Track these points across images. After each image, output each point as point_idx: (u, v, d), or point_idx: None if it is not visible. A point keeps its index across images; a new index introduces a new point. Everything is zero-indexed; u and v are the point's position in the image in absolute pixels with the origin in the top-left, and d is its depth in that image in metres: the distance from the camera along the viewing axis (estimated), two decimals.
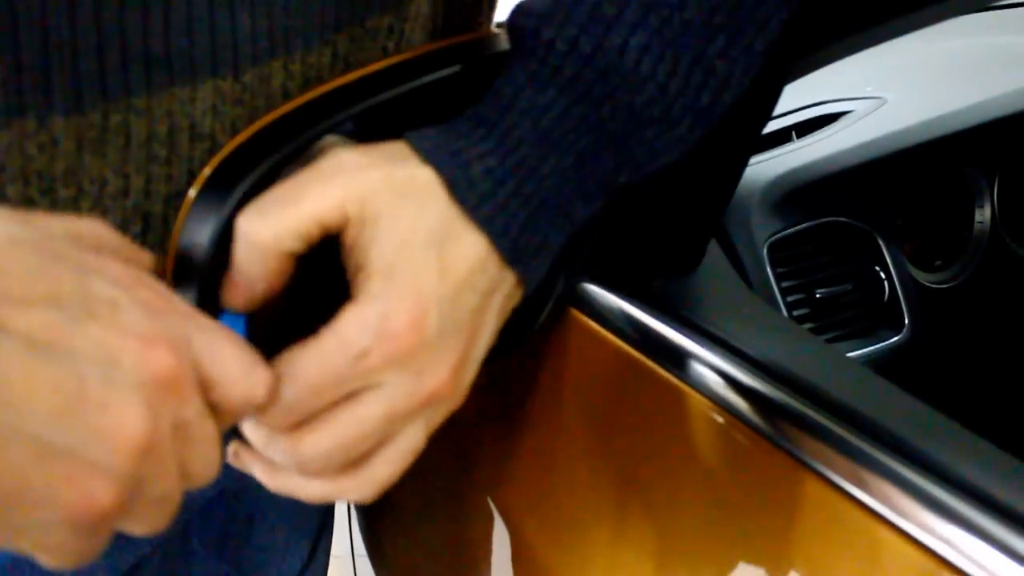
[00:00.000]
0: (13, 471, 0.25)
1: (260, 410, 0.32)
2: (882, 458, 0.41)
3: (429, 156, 0.34)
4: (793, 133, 0.89)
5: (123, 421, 0.26)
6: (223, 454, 0.31)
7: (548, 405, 0.59)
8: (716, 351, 0.50)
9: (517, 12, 0.37)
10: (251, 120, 0.36)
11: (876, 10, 0.59)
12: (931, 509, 0.38)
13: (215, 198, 0.33)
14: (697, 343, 0.51)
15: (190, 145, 0.36)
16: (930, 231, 0.97)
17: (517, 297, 0.38)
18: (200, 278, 0.33)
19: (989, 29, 0.95)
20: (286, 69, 0.37)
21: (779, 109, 0.78)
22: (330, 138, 0.36)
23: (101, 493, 0.26)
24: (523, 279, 0.37)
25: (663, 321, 0.53)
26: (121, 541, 0.39)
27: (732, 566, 0.47)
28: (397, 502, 0.71)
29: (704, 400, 0.49)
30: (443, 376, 0.35)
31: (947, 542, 0.37)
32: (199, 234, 0.33)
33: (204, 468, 0.30)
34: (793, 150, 0.84)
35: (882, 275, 0.88)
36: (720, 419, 0.48)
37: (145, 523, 0.29)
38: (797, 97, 0.92)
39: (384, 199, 0.33)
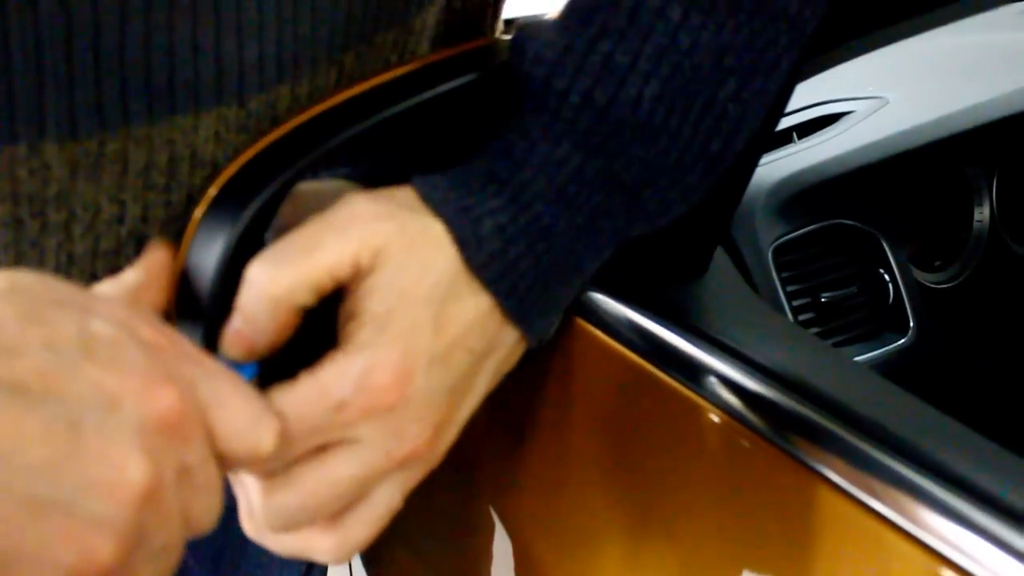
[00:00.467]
0: (4, 530, 0.23)
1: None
2: (892, 464, 0.41)
3: (440, 209, 0.33)
4: (794, 134, 0.88)
5: (123, 470, 0.25)
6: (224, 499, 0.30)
7: (552, 415, 0.58)
8: (723, 359, 0.49)
9: (526, 58, 0.35)
10: (256, 140, 0.35)
11: (885, 13, 0.59)
12: (941, 513, 0.38)
13: (223, 218, 0.32)
14: (704, 351, 0.50)
15: (190, 172, 0.35)
16: (929, 231, 0.97)
17: (519, 354, 0.37)
18: (208, 301, 0.32)
19: (990, 26, 0.95)
20: (293, 93, 0.36)
21: None
22: (338, 182, 0.35)
23: (101, 549, 0.24)
24: (528, 336, 0.36)
25: (669, 329, 0.53)
26: None
27: (741, 573, 0.46)
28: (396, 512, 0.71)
29: (712, 408, 0.49)
30: (423, 438, 0.33)
31: (956, 546, 0.37)
32: (207, 256, 0.32)
33: (206, 515, 0.29)
34: (795, 152, 0.84)
35: (886, 277, 0.87)
36: (728, 426, 0.48)
37: (152, 574, 0.27)
38: (797, 97, 0.92)
39: (394, 250, 0.32)
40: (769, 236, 0.78)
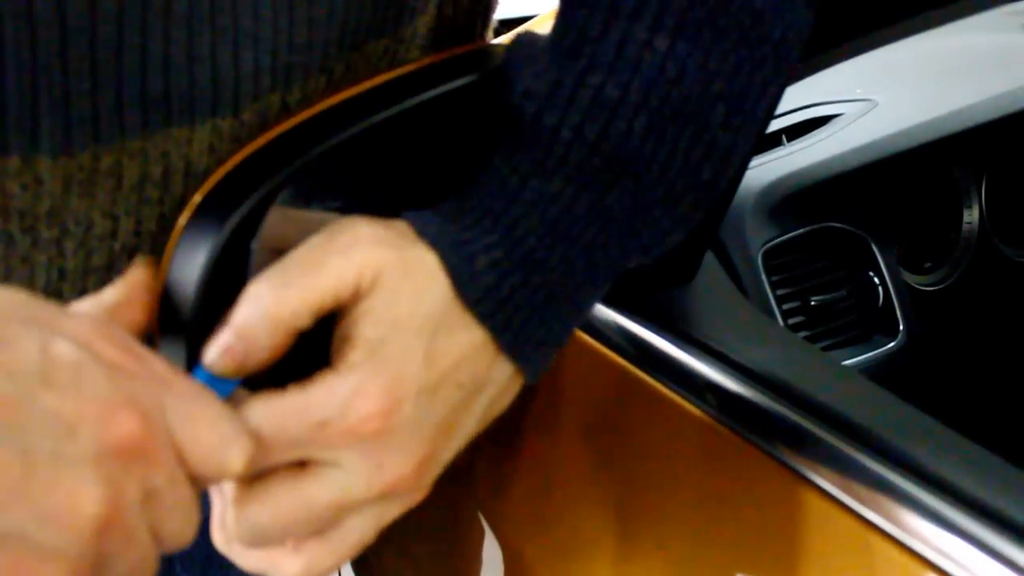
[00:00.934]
0: None
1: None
2: (880, 469, 0.41)
3: (435, 243, 0.33)
4: (783, 137, 0.88)
5: (75, 500, 0.24)
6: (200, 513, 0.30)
7: (542, 420, 0.58)
8: (713, 364, 0.49)
9: (516, 91, 0.35)
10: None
11: (875, 15, 0.59)
12: (929, 519, 0.38)
13: (208, 226, 0.32)
14: (693, 356, 0.50)
15: (184, 184, 0.35)
16: (918, 233, 0.97)
17: (513, 392, 0.37)
18: (192, 310, 0.31)
19: (979, 28, 0.96)
20: (283, 101, 0.36)
21: None
22: (328, 216, 0.35)
23: None
24: (524, 370, 0.36)
25: (659, 334, 0.53)
26: None
27: None
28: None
29: (702, 413, 0.49)
30: (405, 471, 0.33)
31: (942, 551, 0.37)
32: (190, 264, 0.31)
33: (179, 533, 0.28)
34: (784, 155, 0.84)
35: (876, 280, 0.88)
36: (717, 431, 0.48)
37: None
38: (787, 100, 0.92)
39: (391, 276, 0.32)
40: (759, 239, 0.78)
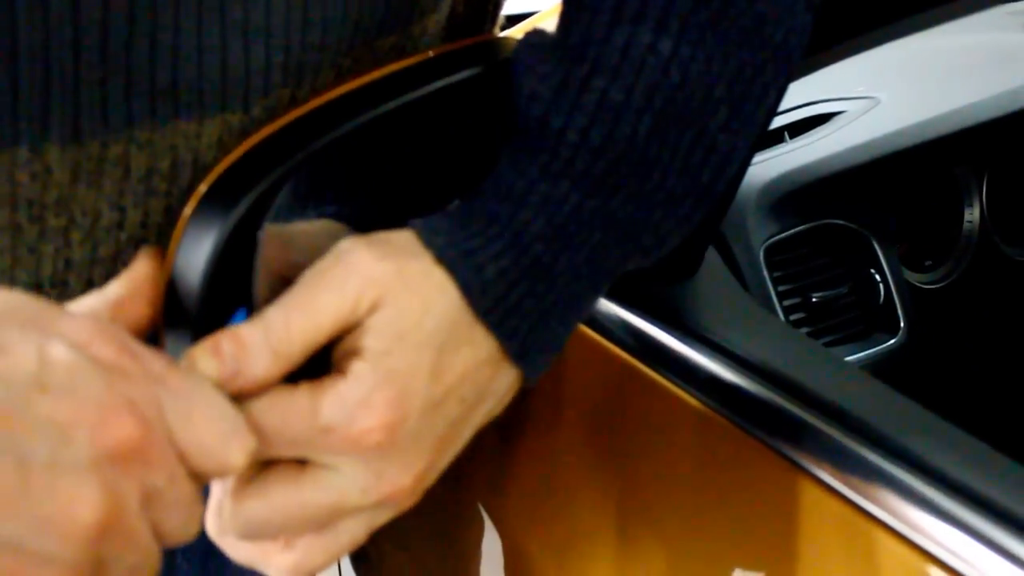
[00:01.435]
0: None
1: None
2: (880, 462, 0.41)
3: (442, 256, 0.33)
4: (786, 134, 0.88)
5: (72, 507, 0.24)
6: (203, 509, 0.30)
7: (543, 413, 0.58)
8: (715, 358, 0.49)
9: (522, 94, 0.35)
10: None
11: (877, 13, 0.59)
12: (930, 512, 0.38)
13: (213, 216, 0.31)
14: (695, 351, 0.50)
15: (193, 178, 0.35)
16: (920, 231, 0.97)
17: (507, 400, 0.37)
18: (197, 300, 0.31)
19: (981, 27, 0.96)
20: (293, 97, 0.35)
21: None
22: (329, 223, 0.35)
23: None
24: (527, 374, 0.36)
25: (661, 328, 0.53)
26: None
27: (732, 573, 0.46)
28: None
29: (703, 407, 0.49)
30: (403, 483, 0.33)
31: (942, 544, 0.37)
32: (197, 254, 0.31)
33: (182, 529, 0.29)
34: (787, 152, 0.84)
35: (877, 277, 0.88)
36: (719, 425, 0.48)
37: None
38: (789, 96, 0.92)
39: (394, 293, 0.32)
40: (760, 236, 0.78)
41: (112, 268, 0.36)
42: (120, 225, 0.35)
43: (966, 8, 0.61)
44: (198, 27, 0.32)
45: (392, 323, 0.32)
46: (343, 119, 0.34)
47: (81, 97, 0.32)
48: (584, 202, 0.34)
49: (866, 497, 0.41)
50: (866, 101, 0.90)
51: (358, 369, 0.32)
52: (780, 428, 0.45)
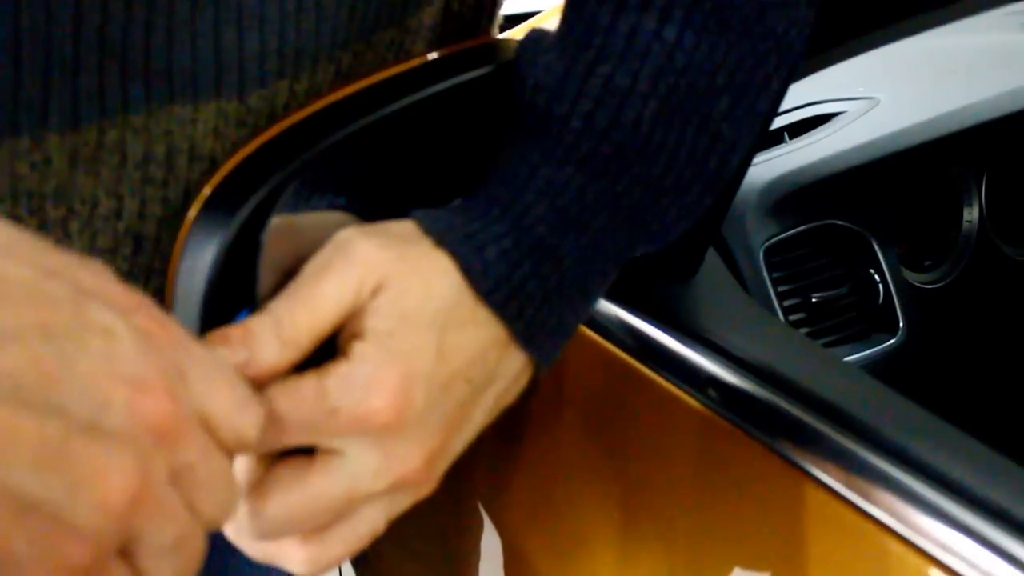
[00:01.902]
0: None
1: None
2: (879, 464, 0.41)
3: (443, 240, 0.33)
4: (785, 134, 0.88)
5: (108, 477, 0.24)
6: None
7: (542, 414, 0.58)
8: (714, 359, 0.50)
9: (527, 86, 0.35)
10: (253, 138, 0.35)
11: (877, 13, 0.59)
12: (929, 514, 0.38)
13: (216, 220, 0.32)
14: (695, 351, 0.51)
15: (188, 167, 0.35)
16: (919, 231, 0.97)
17: (524, 380, 0.37)
18: (201, 303, 0.32)
19: (980, 28, 0.96)
20: (291, 89, 0.36)
21: None
22: (334, 214, 0.35)
23: (74, 552, 0.24)
24: (536, 359, 0.36)
25: (661, 329, 0.53)
26: None
27: (731, 573, 0.47)
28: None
29: (703, 408, 0.49)
30: (415, 463, 0.33)
31: (942, 545, 0.37)
32: (200, 259, 0.31)
33: (220, 507, 0.28)
34: (787, 152, 0.84)
35: (876, 277, 0.88)
36: (719, 426, 0.48)
37: (170, 570, 0.27)
38: (789, 97, 0.92)
39: (396, 277, 0.32)
40: (760, 236, 0.78)
41: (111, 260, 0.36)
42: (118, 214, 0.35)
43: (966, 10, 0.61)
44: (191, 11, 0.33)
45: (394, 304, 0.32)
46: (345, 123, 0.34)
47: (80, 82, 0.32)
48: (588, 185, 0.35)
49: (864, 497, 0.41)
50: (866, 101, 0.90)
51: (361, 350, 0.32)
52: (778, 428, 0.45)
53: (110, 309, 0.26)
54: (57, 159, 0.33)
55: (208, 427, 0.28)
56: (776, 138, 0.88)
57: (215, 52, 0.33)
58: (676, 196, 0.36)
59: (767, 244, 0.79)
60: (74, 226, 0.35)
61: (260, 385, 0.31)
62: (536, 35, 0.37)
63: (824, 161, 0.83)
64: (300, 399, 0.31)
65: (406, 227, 0.34)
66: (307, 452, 0.33)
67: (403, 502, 0.35)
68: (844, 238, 0.88)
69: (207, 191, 0.33)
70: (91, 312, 0.26)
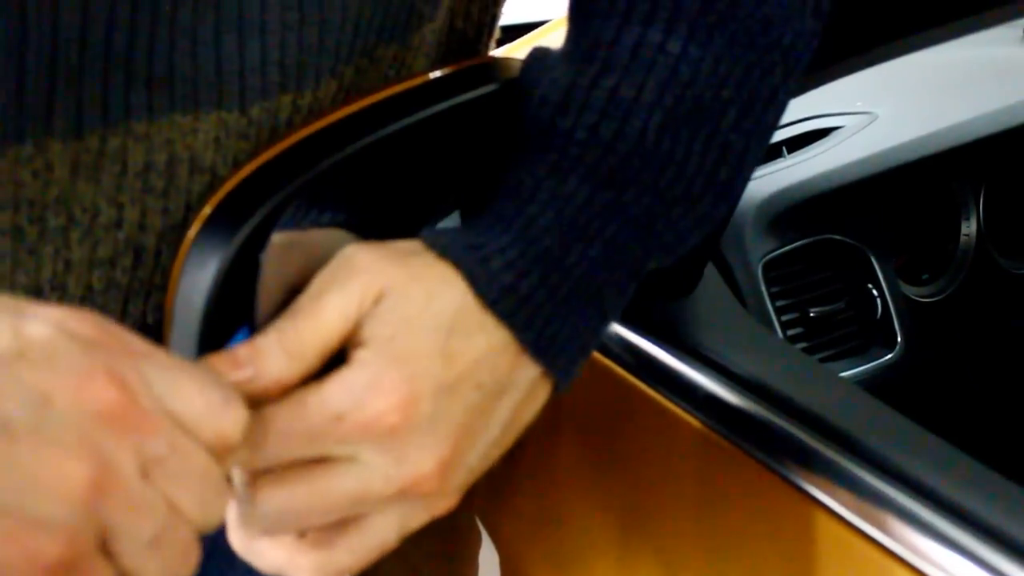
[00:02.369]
0: None
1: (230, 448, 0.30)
2: (874, 481, 0.41)
3: (447, 251, 0.33)
4: (784, 149, 0.89)
5: (61, 467, 0.25)
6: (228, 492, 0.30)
7: (541, 428, 0.58)
8: (712, 375, 0.50)
9: (532, 102, 0.36)
10: (254, 154, 0.35)
11: (877, 32, 0.60)
12: (922, 532, 0.39)
13: (216, 240, 0.32)
14: (692, 367, 0.51)
15: (189, 178, 0.35)
16: (917, 245, 0.97)
17: (542, 397, 0.36)
18: (199, 323, 0.32)
19: (978, 43, 0.96)
20: (294, 104, 0.36)
21: None
22: (334, 232, 0.35)
23: (47, 547, 0.24)
24: (550, 372, 0.35)
25: (659, 345, 0.53)
26: None
27: None
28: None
29: (699, 424, 0.49)
30: (426, 469, 0.32)
31: (939, 566, 0.37)
32: (199, 278, 0.32)
33: (203, 505, 0.28)
34: (785, 167, 0.84)
35: (874, 292, 0.88)
36: (715, 443, 0.48)
37: (157, 569, 0.27)
38: (788, 111, 0.92)
39: (397, 284, 0.32)
40: (759, 251, 0.78)
41: (111, 272, 0.36)
42: (118, 224, 0.35)
43: (968, 28, 0.61)
44: (192, 18, 0.33)
45: (395, 310, 0.32)
46: (346, 142, 0.34)
47: (84, 90, 0.33)
48: (595, 195, 0.35)
49: (859, 515, 0.41)
50: (864, 116, 0.90)
51: (362, 355, 0.32)
52: (774, 445, 0.46)
53: (52, 324, 0.27)
54: (59, 167, 0.34)
55: (183, 427, 0.28)
56: (775, 153, 0.88)
57: (216, 60, 0.34)
58: (688, 206, 0.36)
59: (765, 259, 0.79)
60: (74, 235, 0.35)
61: (270, 400, 0.31)
62: (540, 52, 0.37)
63: (823, 176, 0.83)
64: (303, 408, 0.31)
65: (411, 243, 0.34)
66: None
67: (417, 515, 0.34)
68: (842, 253, 0.88)
69: (207, 210, 0.33)
70: (30, 329, 0.26)
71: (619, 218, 0.35)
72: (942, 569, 0.37)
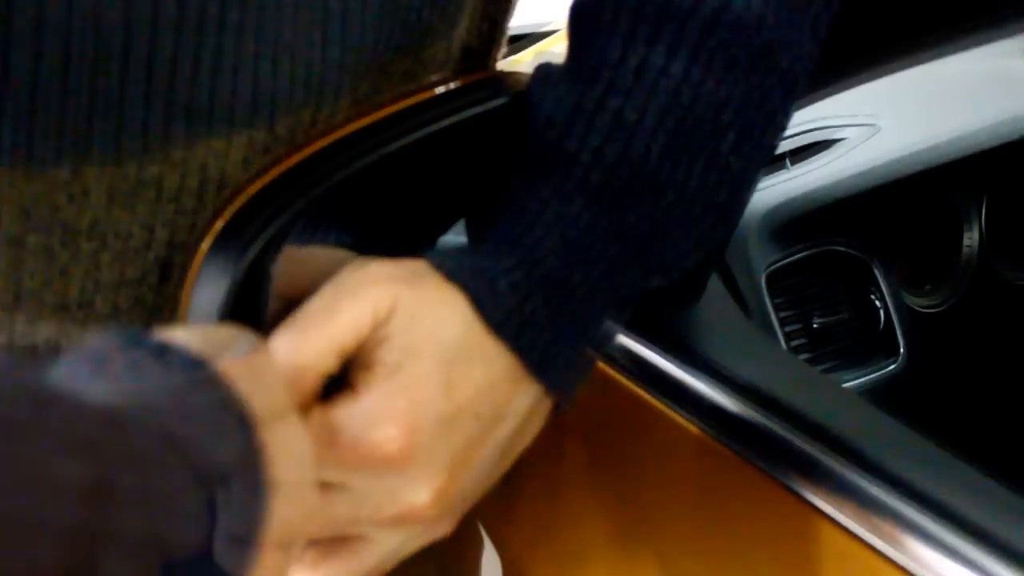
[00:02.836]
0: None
1: None
2: (876, 491, 0.41)
3: (453, 274, 0.34)
4: (787, 160, 0.89)
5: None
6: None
7: (544, 436, 0.58)
8: (715, 385, 0.50)
9: (537, 122, 0.36)
10: (270, 167, 0.35)
11: (880, 44, 0.60)
12: (924, 541, 0.39)
13: (227, 255, 0.32)
14: (696, 377, 0.51)
15: (216, 194, 0.35)
16: (919, 255, 0.98)
17: (539, 420, 0.37)
18: None
19: (981, 54, 0.96)
20: (313, 117, 0.36)
21: None
22: (338, 251, 0.35)
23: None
24: (552, 393, 0.36)
25: (662, 355, 0.53)
26: None
27: None
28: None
29: (702, 433, 0.49)
30: (421, 500, 0.33)
31: (936, 574, 0.37)
32: (212, 292, 0.32)
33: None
34: (789, 178, 0.84)
35: (877, 302, 0.88)
36: (717, 452, 0.48)
37: None
38: (791, 122, 0.92)
39: (406, 306, 0.32)
40: (763, 261, 0.78)
41: (137, 291, 0.36)
42: (148, 245, 0.35)
43: (970, 43, 0.62)
44: (236, 45, 0.33)
45: (403, 335, 0.32)
46: (356, 156, 0.35)
47: (124, 117, 0.33)
48: (599, 218, 0.35)
49: (862, 525, 0.41)
50: (867, 128, 0.90)
51: (367, 382, 0.32)
52: (777, 454, 0.46)
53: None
54: (95, 192, 0.34)
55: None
56: (778, 164, 0.88)
57: (253, 84, 0.34)
58: (687, 228, 0.37)
59: (769, 269, 0.79)
60: (105, 258, 0.35)
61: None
62: (544, 70, 0.38)
63: (826, 187, 0.83)
64: (308, 432, 0.31)
65: (417, 263, 0.34)
66: None
67: (415, 541, 0.35)
68: (845, 263, 0.88)
69: (219, 224, 0.33)
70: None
71: (621, 241, 0.36)
72: (935, 573, 0.37)
